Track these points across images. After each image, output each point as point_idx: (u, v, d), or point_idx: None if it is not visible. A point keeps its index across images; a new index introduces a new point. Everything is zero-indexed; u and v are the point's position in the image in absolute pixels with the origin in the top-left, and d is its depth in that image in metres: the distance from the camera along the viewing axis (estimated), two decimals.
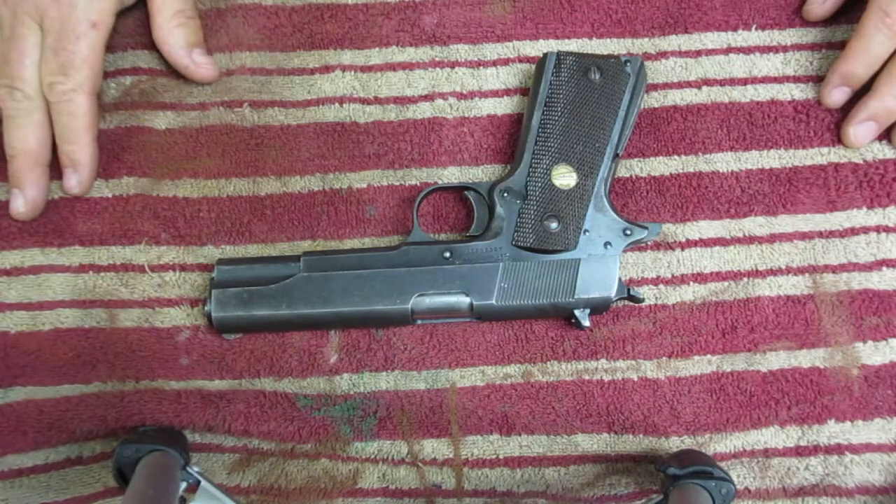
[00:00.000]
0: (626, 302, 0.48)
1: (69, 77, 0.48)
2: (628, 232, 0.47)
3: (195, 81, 0.52)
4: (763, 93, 0.52)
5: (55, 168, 0.50)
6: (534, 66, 0.51)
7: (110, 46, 0.52)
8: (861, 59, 0.48)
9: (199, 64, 0.51)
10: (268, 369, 0.49)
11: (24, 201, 0.49)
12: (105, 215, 0.50)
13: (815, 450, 0.47)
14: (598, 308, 0.47)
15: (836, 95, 0.50)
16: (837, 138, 0.51)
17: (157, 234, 0.50)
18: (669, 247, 0.50)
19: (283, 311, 0.46)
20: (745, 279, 0.49)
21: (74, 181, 0.49)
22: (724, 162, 0.51)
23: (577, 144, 0.47)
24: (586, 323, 0.46)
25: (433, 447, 0.48)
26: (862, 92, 0.49)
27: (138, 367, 0.48)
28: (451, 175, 0.51)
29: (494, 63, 0.53)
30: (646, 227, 0.47)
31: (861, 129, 0.49)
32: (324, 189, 0.51)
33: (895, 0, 0.46)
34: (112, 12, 0.49)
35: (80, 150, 0.49)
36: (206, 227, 0.50)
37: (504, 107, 0.52)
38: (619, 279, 0.46)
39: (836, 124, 0.51)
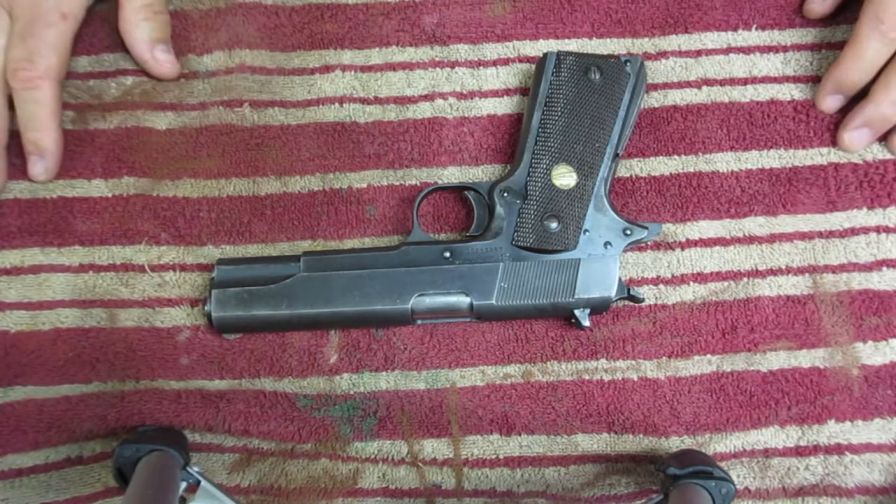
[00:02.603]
0: (626, 302, 0.48)
1: (35, 64, 0.48)
2: (628, 232, 0.47)
3: (155, 77, 0.52)
4: (763, 93, 0.52)
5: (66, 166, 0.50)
6: (534, 66, 0.51)
7: (111, 46, 0.53)
8: (855, 66, 0.48)
9: (159, 61, 0.51)
10: (268, 369, 0.49)
11: None
12: (105, 215, 0.50)
13: (815, 450, 0.47)
14: (598, 308, 0.47)
15: (830, 102, 0.50)
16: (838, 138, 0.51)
17: (157, 233, 0.50)
18: (669, 247, 0.50)
19: (283, 311, 0.46)
20: (745, 279, 0.49)
21: (41, 168, 0.50)
22: (724, 162, 0.51)
23: (577, 144, 0.47)
24: (586, 323, 0.46)
25: (433, 447, 0.48)
26: (861, 94, 0.49)
27: (138, 367, 0.48)
28: (451, 175, 0.51)
29: (494, 63, 0.53)
30: (646, 227, 0.47)
31: (856, 135, 0.49)
32: (324, 189, 0.51)
33: (889, 6, 0.46)
34: (83, 6, 0.50)
35: (47, 138, 0.49)
36: (206, 227, 0.50)
37: (504, 107, 0.52)
38: (619, 279, 0.46)
39: (835, 125, 0.51)
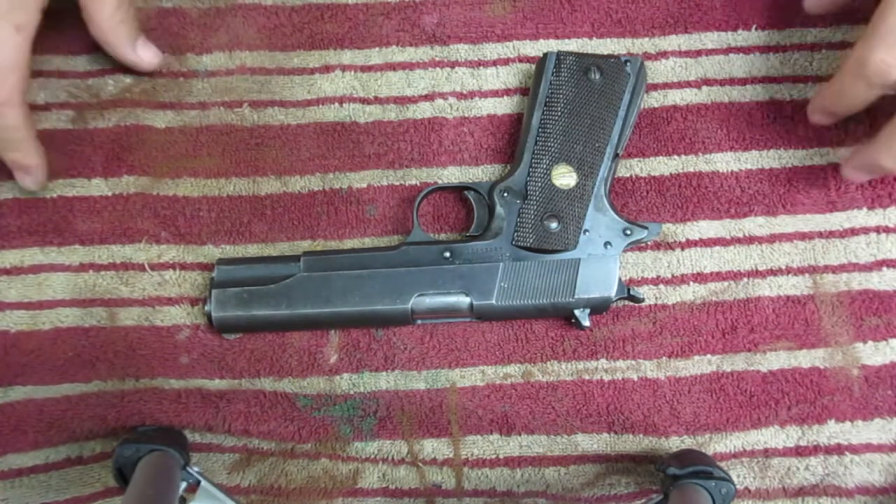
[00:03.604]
0: (626, 302, 0.48)
1: None
2: (628, 232, 0.47)
3: (145, 72, 0.52)
4: (763, 93, 0.52)
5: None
6: (534, 66, 0.51)
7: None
8: (839, 100, 0.46)
9: (144, 58, 0.51)
10: (268, 369, 0.49)
11: None
12: (105, 214, 0.50)
13: (815, 450, 0.47)
14: (598, 308, 0.47)
15: (818, 118, 0.49)
16: (838, 139, 0.51)
17: (157, 232, 0.50)
18: (669, 247, 0.50)
19: (283, 311, 0.46)
20: (745, 279, 0.49)
21: (29, 181, 0.49)
22: (724, 162, 0.51)
23: (577, 144, 0.47)
24: (586, 323, 0.46)
25: (433, 447, 0.48)
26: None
27: (138, 366, 0.48)
28: (451, 175, 0.51)
29: (494, 63, 0.53)
30: (646, 227, 0.47)
31: (855, 174, 0.48)
32: (324, 189, 0.51)
33: (874, 51, 0.43)
34: (36, 10, 0.45)
35: (28, 156, 0.48)
36: (206, 227, 0.50)
37: (504, 107, 0.52)
38: (619, 279, 0.46)
39: (835, 125, 0.51)
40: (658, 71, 0.52)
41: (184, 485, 0.42)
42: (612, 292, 0.46)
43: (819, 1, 0.50)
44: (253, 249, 0.50)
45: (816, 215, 0.50)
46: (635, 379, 0.48)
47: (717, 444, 0.48)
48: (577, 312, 0.46)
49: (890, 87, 0.43)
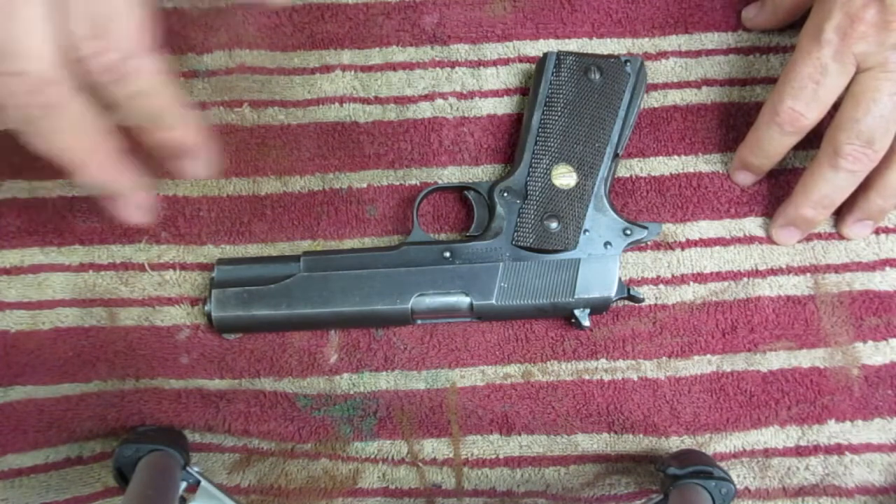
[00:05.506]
0: (626, 302, 0.48)
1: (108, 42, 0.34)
2: (628, 232, 0.47)
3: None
4: (763, 93, 0.52)
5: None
6: (534, 66, 0.51)
7: None
8: (755, 152, 0.48)
9: None
10: (268, 369, 0.49)
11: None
12: (105, 214, 0.50)
13: (815, 450, 0.47)
14: (598, 308, 0.47)
15: (740, 178, 0.50)
16: None
17: (156, 232, 0.50)
18: (669, 247, 0.50)
19: (283, 311, 0.46)
20: (745, 279, 0.49)
21: (200, 166, 0.39)
22: (725, 162, 0.51)
23: (577, 144, 0.47)
24: (586, 323, 0.46)
25: (433, 447, 0.48)
26: None
27: (138, 366, 0.48)
28: (451, 175, 0.51)
29: (494, 63, 0.53)
30: (646, 227, 0.47)
31: (783, 233, 0.49)
32: (324, 189, 0.51)
33: (784, 99, 0.45)
34: None
35: (187, 128, 0.38)
36: (206, 227, 0.50)
37: (504, 107, 0.52)
38: (619, 279, 0.46)
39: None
40: (658, 71, 0.52)
41: (184, 485, 0.42)
42: (612, 292, 0.46)
43: (755, 20, 0.52)
44: (253, 249, 0.50)
45: None
46: (635, 379, 0.48)
47: (717, 444, 0.48)
48: (577, 312, 0.46)
49: (801, 133, 0.46)
